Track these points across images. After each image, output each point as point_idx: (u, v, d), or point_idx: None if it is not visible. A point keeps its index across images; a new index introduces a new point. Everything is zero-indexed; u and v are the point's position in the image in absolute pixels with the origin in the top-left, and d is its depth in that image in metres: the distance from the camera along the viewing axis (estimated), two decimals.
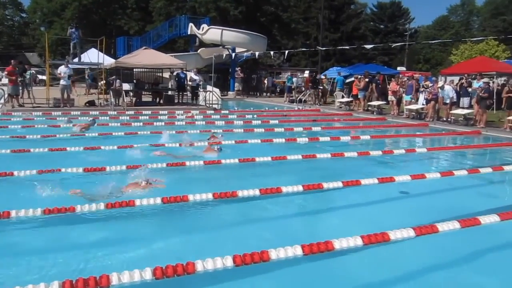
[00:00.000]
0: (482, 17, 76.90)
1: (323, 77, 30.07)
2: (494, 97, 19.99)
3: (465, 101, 18.72)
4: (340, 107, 25.02)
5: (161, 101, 22.41)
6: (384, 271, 4.79)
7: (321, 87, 27.60)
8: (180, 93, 23.04)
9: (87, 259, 4.61)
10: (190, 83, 23.45)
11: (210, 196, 6.19)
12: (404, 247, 5.06)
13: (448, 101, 18.61)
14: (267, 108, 22.33)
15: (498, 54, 45.96)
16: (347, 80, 27.52)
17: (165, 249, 5.09)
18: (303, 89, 28.03)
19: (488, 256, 5.37)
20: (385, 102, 22.45)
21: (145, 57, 21.36)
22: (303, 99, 26.37)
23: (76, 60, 22.26)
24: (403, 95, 20.90)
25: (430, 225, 5.11)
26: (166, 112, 18.31)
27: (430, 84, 19.65)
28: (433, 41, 24.32)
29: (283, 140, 11.71)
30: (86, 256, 4.69)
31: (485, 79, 19.40)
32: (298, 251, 4.30)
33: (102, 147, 9.80)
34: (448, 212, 6.35)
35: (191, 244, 5.25)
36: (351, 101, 24.48)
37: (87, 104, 20.10)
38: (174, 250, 5.05)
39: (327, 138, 12.35)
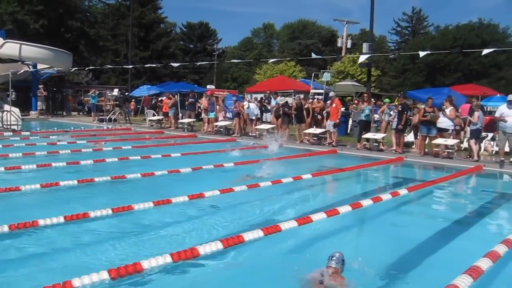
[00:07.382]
0: (281, 40, 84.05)
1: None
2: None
3: (268, 116, 20.24)
4: (152, 125, 24.93)
5: None
6: (197, 286, 4.87)
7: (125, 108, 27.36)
8: None
9: None
10: None
11: (6, 228, 5.62)
12: (215, 259, 5.20)
13: (253, 117, 19.95)
14: (72, 128, 21.11)
15: (296, 74, 50.73)
16: None
17: None
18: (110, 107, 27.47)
19: (288, 257, 5.78)
20: (195, 119, 23.06)
21: None
22: (112, 118, 25.63)
23: None
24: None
25: (236, 236, 5.36)
26: None
27: (234, 103, 20.85)
28: (238, 61, 25.68)
29: (91, 161, 11.19)
30: None
31: (282, 97, 21.26)
32: (104, 275, 4.15)
33: None
34: (254, 221, 6.74)
35: None
36: (162, 119, 24.59)
37: None
38: None
39: (138, 157, 12.16)
